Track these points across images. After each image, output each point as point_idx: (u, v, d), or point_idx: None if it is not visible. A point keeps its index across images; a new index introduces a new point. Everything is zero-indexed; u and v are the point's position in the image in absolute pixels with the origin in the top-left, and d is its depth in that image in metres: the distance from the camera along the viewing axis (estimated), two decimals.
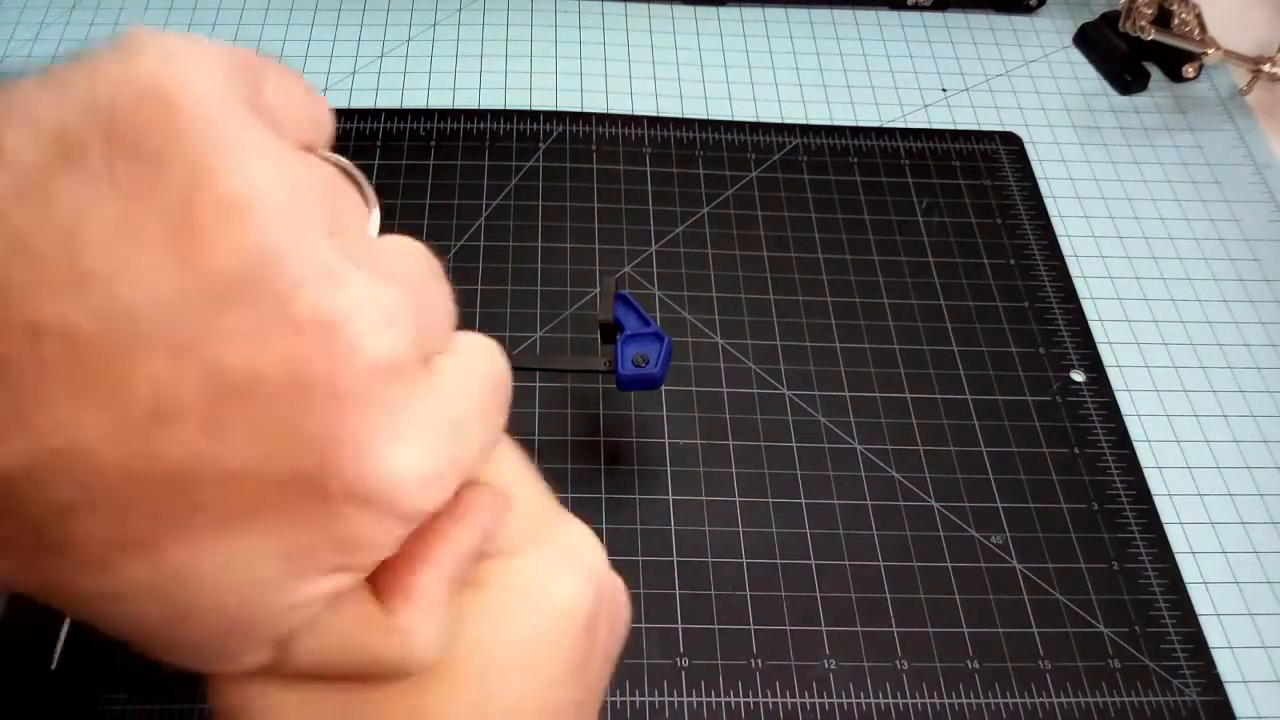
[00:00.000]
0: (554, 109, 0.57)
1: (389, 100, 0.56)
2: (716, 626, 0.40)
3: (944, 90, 0.60)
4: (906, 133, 0.57)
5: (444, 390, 0.17)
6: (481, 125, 0.55)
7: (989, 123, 0.59)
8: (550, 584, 0.20)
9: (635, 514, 0.43)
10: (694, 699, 0.39)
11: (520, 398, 0.21)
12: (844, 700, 0.39)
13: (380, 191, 0.19)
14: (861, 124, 0.58)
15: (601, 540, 0.23)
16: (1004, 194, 0.55)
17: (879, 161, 0.56)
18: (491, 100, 0.57)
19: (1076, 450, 0.46)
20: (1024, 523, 0.44)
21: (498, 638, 0.20)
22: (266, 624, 0.17)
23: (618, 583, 0.23)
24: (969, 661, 0.40)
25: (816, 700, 0.39)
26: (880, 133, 0.57)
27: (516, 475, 0.21)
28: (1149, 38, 0.58)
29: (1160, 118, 0.60)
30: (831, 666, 0.40)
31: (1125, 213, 0.55)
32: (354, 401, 0.15)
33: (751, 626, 0.40)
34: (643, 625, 0.40)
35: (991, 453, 0.46)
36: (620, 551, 0.42)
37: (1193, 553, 0.44)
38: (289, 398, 0.15)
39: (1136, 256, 0.54)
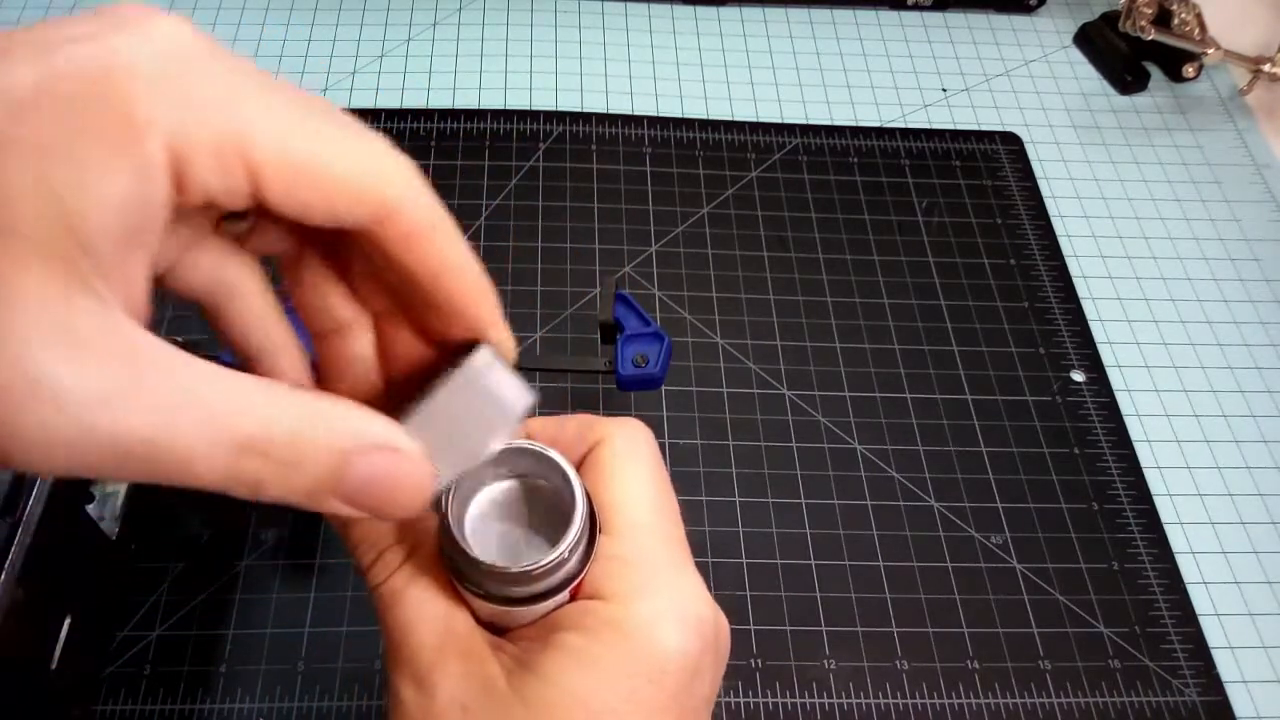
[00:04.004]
0: (554, 109, 0.56)
1: (389, 100, 0.56)
2: None
3: (944, 90, 0.60)
4: (906, 133, 0.57)
5: None
6: (481, 125, 0.55)
7: (989, 123, 0.59)
8: (657, 634, 0.21)
9: None
10: None
11: None
12: (844, 700, 0.39)
13: None
14: (861, 124, 0.58)
15: None
16: (1004, 194, 0.55)
17: (879, 161, 0.56)
18: (491, 100, 0.57)
19: (1076, 450, 0.46)
20: (1024, 523, 0.44)
21: (603, 683, 0.20)
22: None
23: (722, 624, 0.23)
24: (969, 661, 0.40)
25: (816, 700, 0.39)
26: (880, 133, 0.57)
27: (642, 521, 0.22)
28: (1149, 38, 0.58)
29: (1160, 118, 0.60)
30: (831, 666, 0.40)
31: (1125, 213, 0.55)
32: None
33: (751, 626, 0.40)
34: None
35: (991, 453, 0.46)
36: None
37: (1193, 553, 0.44)
38: None
39: (1136, 256, 0.54)
